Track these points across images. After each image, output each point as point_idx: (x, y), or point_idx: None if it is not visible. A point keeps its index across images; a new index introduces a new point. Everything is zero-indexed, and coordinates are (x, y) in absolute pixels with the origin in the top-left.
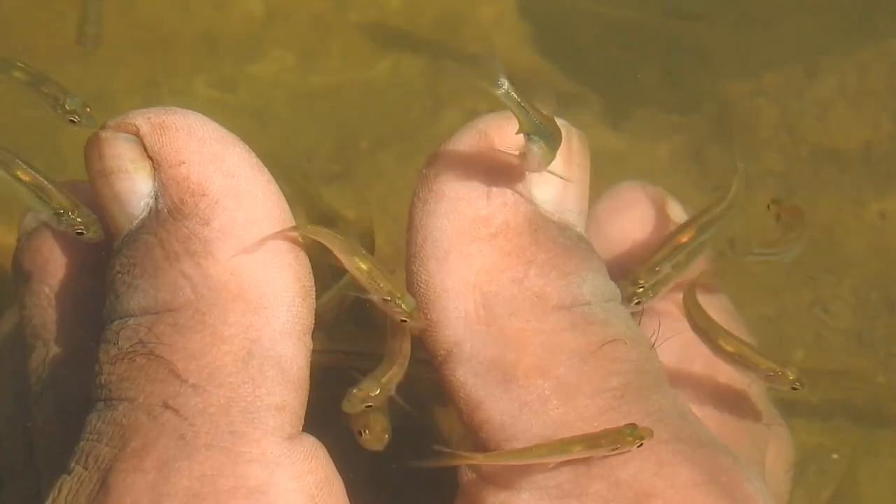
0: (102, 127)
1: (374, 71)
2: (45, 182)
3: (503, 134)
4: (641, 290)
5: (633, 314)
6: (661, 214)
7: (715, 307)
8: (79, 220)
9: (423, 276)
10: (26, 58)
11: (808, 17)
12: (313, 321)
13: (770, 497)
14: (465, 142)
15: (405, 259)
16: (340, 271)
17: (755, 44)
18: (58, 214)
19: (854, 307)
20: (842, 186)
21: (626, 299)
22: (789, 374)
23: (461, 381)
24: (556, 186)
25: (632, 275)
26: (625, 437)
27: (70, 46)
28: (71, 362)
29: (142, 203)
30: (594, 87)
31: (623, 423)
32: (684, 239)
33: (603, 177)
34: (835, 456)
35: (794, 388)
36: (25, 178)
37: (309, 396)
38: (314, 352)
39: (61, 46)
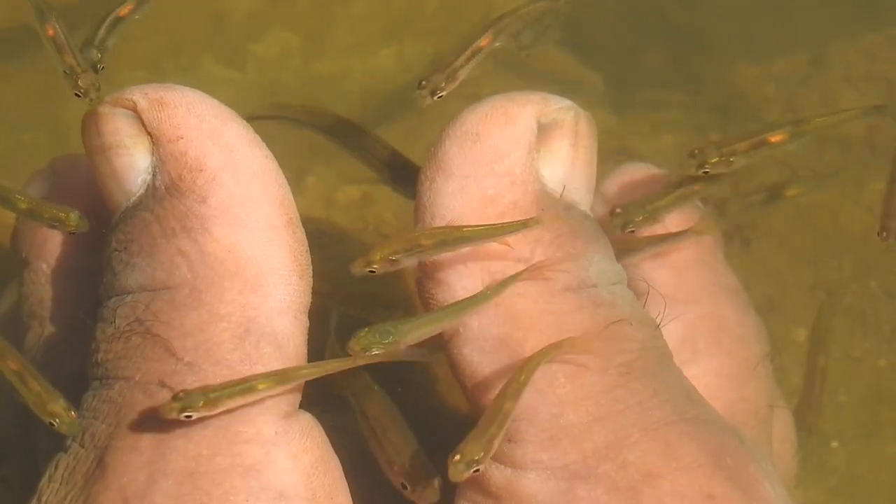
0: (101, 102)
1: (379, 58)
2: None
3: (510, 113)
4: None
5: (638, 297)
6: None
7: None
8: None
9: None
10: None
11: (814, 2)
12: (310, 299)
13: (777, 479)
14: (473, 120)
15: None
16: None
17: (762, 29)
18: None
19: (855, 290)
20: (845, 171)
21: None
22: None
23: (467, 360)
24: (563, 166)
25: None
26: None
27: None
28: (66, 342)
29: (139, 179)
30: (600, 71)
31: (631, 401)
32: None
33: (608, 160)
34: (834, 444)
35: None
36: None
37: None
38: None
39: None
